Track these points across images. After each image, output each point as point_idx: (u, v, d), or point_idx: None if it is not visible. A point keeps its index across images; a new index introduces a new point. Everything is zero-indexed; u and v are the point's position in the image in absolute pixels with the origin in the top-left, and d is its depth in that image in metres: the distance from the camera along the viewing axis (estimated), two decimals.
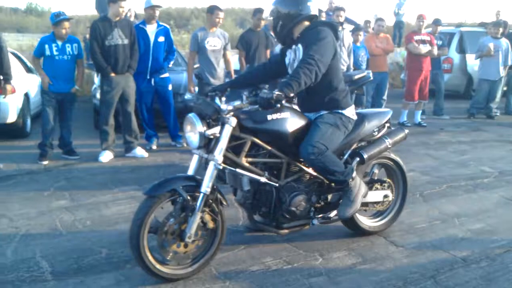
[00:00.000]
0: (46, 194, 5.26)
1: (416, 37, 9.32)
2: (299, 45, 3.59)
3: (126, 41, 6.50)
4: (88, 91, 10.92)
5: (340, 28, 8.15)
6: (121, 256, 3.76)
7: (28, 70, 9.25)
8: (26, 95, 8.22)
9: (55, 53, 6.39)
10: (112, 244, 3.97)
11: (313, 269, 3.62)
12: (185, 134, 3.48)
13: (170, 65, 7.50)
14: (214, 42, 7.11)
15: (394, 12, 18.16)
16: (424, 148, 7.69)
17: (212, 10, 7.10)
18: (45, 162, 6.49)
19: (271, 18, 3.70)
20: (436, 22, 10.23)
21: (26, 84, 8.12)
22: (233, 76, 6.73)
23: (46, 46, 6.37)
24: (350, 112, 3.77)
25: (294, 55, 3.65)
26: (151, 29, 6.98)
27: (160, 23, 7.16)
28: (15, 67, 7.33)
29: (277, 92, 3.19)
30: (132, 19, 8.72)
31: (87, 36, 9.88)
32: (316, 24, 3.66)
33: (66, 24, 6.39)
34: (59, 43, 6.40)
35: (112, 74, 6.46)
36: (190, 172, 3.46)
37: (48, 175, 5.99)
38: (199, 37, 7.07)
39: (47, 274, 3.49)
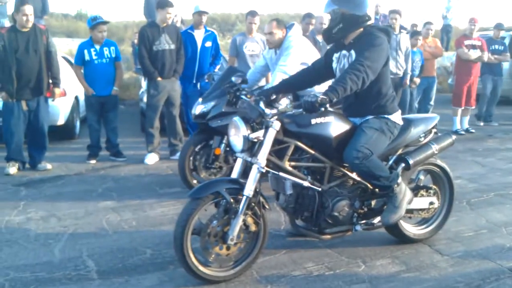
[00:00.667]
0: (94, 194, 5.40)
1: (467, 42, 9.02)
2: (352, 51, 3.50)
3: (172, 46, 6.61)
4: (135, 95, 11.14)
5: (397, 32, 8.03)
6: (165, 256, 3.82)
7: None
8: (76, 98, 8.47)
9: (94, 57, 6.55)
10: (156, 245, 4.04)
11: (355, 275, 3.58)
12: (229, 137, 3.50)
13: (216, 70, 7.58)
14: (252, 47, 7.14)
15: (442, 15, 17.82)
16: (472, 155, 7.51)
17: (246, 15, 7.17)
18: (93, 162, 6.70)
19: (328, 16, 3.52)
20: (498, 26, 9.84)
21: (76, 87, 8.35)
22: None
23: (85, 51, 6.54)
24: (396, 117, 3.71)
25: (347, 61, 3.54)
26: (198, 34, 7.07)
27: (208, 29, 7.25)
28: (66, 71, 7.54)
29: (321, 96, 3.17)
30: (178, 24, 8.87)
31: (135, 41, 10.09)
32: (371, 29, 3.55)
33: (103, 27, 6.55)
34: (97, 47, 6.56)
35: (159, 79, 6.57)
36: (234, 175, 3.47)
37: (95, 176, 6.15)
38: (238, 42, 7.14)
39: (93, 273, 3.57)
